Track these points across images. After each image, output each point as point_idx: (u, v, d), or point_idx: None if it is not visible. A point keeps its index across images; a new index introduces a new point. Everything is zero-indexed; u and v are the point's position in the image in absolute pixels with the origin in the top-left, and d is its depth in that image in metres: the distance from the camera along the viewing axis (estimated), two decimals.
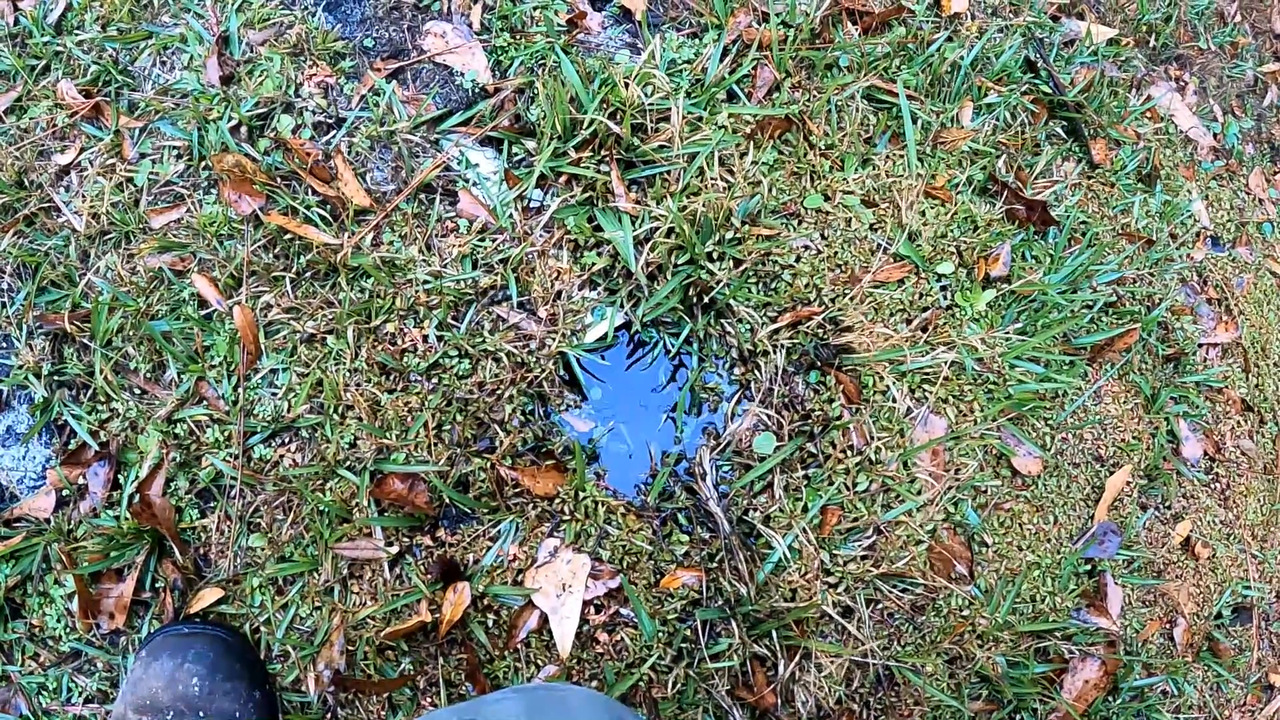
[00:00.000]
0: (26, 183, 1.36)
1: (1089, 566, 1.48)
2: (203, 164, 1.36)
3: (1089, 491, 1.50)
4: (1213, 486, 1.72)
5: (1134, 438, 1.58)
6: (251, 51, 1.41)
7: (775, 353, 1.36)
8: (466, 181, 1.38)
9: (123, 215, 1.33)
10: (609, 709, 0.93)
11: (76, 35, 1.45)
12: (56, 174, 1.37)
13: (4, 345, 1.30)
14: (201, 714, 1.09)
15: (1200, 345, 1.77)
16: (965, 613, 1.34)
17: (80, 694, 1.21)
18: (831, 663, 1.27)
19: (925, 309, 1.41)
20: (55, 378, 1.28)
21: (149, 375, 1.27)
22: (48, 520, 1.23)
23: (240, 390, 1.25)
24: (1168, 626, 1.58)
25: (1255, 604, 1.73)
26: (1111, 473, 1.54)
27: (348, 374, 1.26)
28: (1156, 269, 1.71)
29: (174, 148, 1.37)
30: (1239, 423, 1.80)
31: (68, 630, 1.21)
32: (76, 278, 1.31)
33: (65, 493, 1.23)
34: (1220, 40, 2.14)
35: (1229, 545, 1.71)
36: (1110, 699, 1.44)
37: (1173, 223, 1.81)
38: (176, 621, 1.19)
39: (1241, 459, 1.78)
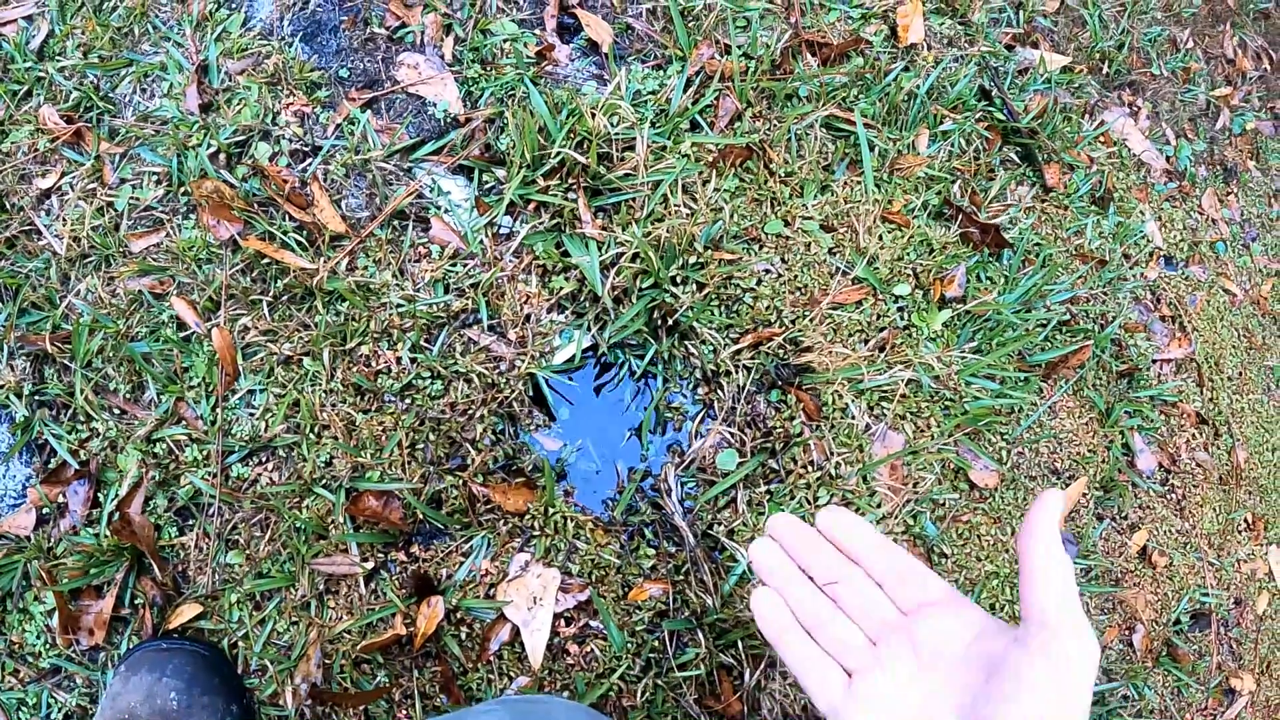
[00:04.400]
0: (8, 206, 1.38)
1: None
2: (182, 190, 1.38)
3: None
4: (1169, 497, 1.76)
5: (1089, 451, 1.63)
6: (230, 80, 1.44)
7: (737, 373, 1.39)
8: (438, 208, 1.42)
9: (103, 239, 1.35)
10: (590, 718, 0.96)
11: (58, 61, 1.47)
12: (38, 198, 1.39)
13: None
14: None
15: (1154, 361, 1.82)
16: None
17: (60, 710, 1.21)
18: None
19: (883, 329, 1.46)
20: (36, 397, 1.29)
21: (128, 395, 1.29)
22: (28, 538, 1.24)
23: (218, 410, 1.27)
24: (1127, 633, 1.62)
25: (1213, 610, 1.77)
26: (1067, 485, 1.58)
27: (324, 394, 1.29)
28: (1110, 288, 1.77)
29: (154, 173, 1.40)
30: (1194, 435, 1.85)
31: (48, 646, 1.22)
32: (57, 300, 1.33)
33: (45, 511, 1.25)
34: (1173, 66, 2.20)
35: (1186, 554, 1.75)
36: None
37: (1126, 243, 1.86)
38: (155, 637, 1.20)
39: (1197, 470, 1.83)
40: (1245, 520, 1.91)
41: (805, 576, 0.74)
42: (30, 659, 1.23)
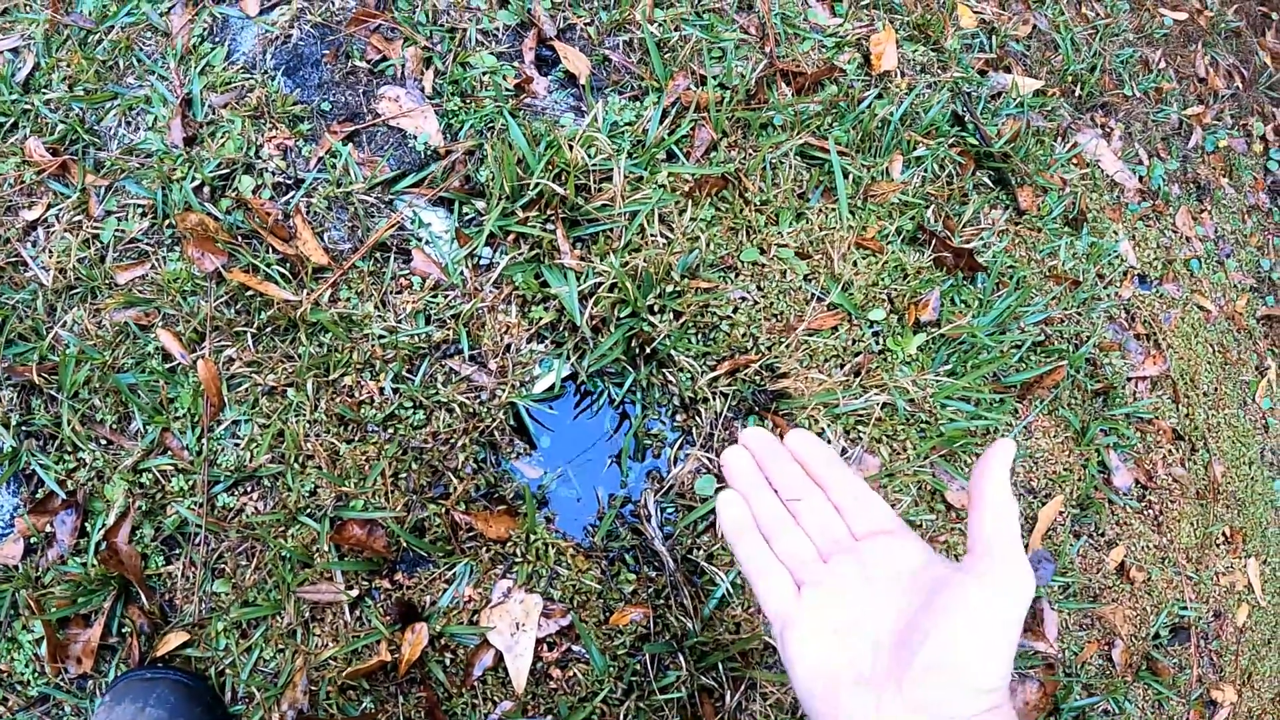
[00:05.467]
0: None
1: None
2: (167, 222, 1.40)
3: (1022, 522, 1.56)
4: (1146, 513, 1.79)
5: (1065, 469, 1.65)
6: (214, 114, 1.46)
7: (715, 399, 1.41)
8: (419, 240, 1.43)
9: (89, 271, 1.36)
10: None
11: (44, 94, 1.49)
12: (24, 229, 1.41)
13: None
14: None
15: (1129, 379, 1.84)
16: None
17: None
18: (777, 691, 1.31)
19: (858, 354, 1.48)
20: (23, 428, 1.30)
21: (115, 426, 1.30)
22: (16, 567, 1.25)
23: (204, 441, 1.28)
24: (1106, 648, 1.64)
25: (1192, 623, 1.79)
26: (1044, 504, 1.60)
27: (308, 425, 1.30)
28: (1084, 308, 1.79)
29: (139, 206, 1.41)
30: (1170, 451, 1.88)
31: (36, 675, 1.23)
32: (44, 331, 1.34)
33: (33, 540, 1.26)
34: (1145, 86, 2.24)
35: (1164, 568, 1.77)
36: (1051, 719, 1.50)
37: (1099, 263, 1.89)
38: (141, 666, 1.21)
39: (1173, 485, 1.85)
40: (1223, 534, 1.93)
41: (770, 488, 0.79)
42: (19, 687, 1.23)
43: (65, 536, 1.26)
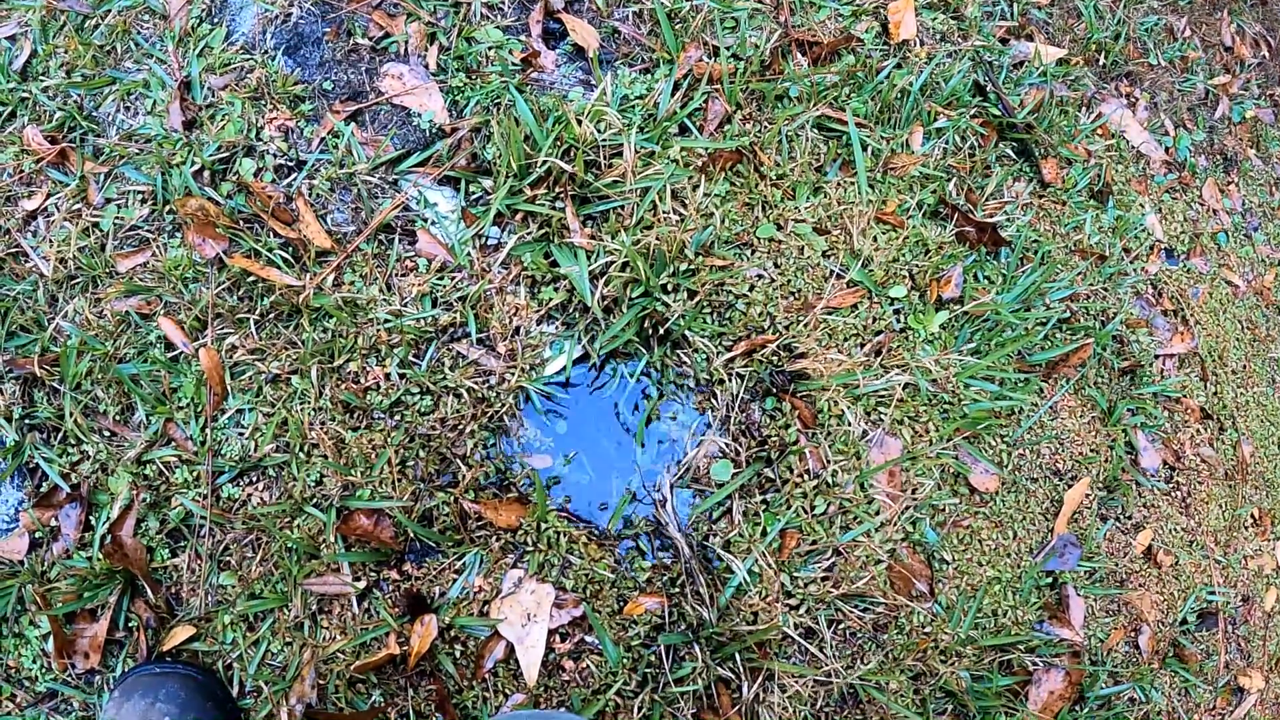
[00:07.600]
0: None
1: (1050, 579, 1.51)
2: (167, 208, 1.38)
3: (1048, 505, 1.53)
4: (1173, 495, 1.75)
5: (1092, 450, 1.61)
6: (213, 96, 1.44)
7: (731, 381, 1.38)
8: (425, 221, 1.40)
9: (89, 260, 1.35)
10: None
11: (41, 81, 1.48)
12: (23, 219, 1.40)
13: None
14: None
15: (1157, 356, 1.80)
16: (927, 629, 1.36)
17: None
18: (795, 683, 1.29)
19: (879, 333, 1.44)
20: (26, 421, 1.30)
21: (118, 417, 1.29)
22: (21, 562, 1.24)
23: (208, 431, 1.27)
24: (1132, 635, 1.61)
25: (1220, 609, 1.75)
26: (1070, 486, 1.56)
27: (312, 413, 1.28)
28: (1110, 284, 1.75)
29: (139, 192, 1.40)
30: (1198, 431, 1.83)
31: (43, 670, 1.22)
32: (45, 322, 1.33)
33: (38, 535, 1.25)
34: (1170, 55, 2.18)
35: (1191, 552, 1.73)
36: (1077, 709, 1.46)
37: (1126, 237, 1.84)
38: (149, 661, 1.20)
39: (1202, 466, 1.81)
40: (1251, 515, 1.89)
41: None
42: (26, 683, 1.23)
43: (70, 530, 1.25)
